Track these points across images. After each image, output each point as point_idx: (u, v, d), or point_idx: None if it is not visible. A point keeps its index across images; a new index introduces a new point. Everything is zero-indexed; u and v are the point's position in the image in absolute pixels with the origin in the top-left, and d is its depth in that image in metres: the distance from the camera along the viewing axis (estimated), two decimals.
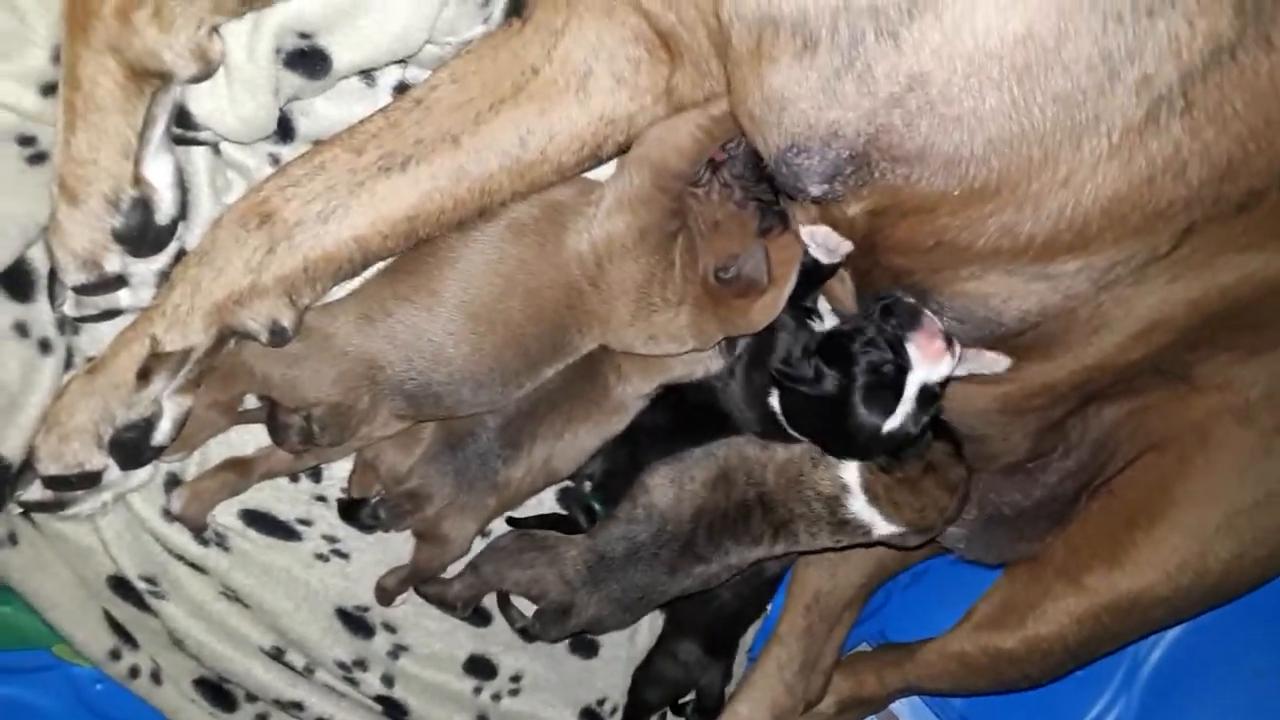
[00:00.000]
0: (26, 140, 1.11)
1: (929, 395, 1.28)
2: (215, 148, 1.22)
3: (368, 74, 1.25)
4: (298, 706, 1.51)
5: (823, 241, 1.26)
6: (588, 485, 1.50)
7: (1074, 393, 1.41)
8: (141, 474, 1.28)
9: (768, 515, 1.44)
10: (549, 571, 1.45)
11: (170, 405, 1.22)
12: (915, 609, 1.96)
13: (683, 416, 1.48)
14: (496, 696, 1.67)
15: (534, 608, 1.49)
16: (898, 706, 2.02)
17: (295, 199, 1.18)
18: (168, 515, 1.36)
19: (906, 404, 1.27)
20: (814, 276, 1.33)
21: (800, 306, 1.40)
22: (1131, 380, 1.42)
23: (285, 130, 1.25)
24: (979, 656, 1.63)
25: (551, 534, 1.47)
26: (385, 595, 1.51)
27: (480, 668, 1.63)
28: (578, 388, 1.37)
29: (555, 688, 1.71)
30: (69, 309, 1.16)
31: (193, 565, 1.41)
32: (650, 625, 1.73)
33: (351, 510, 1.40)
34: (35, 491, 1.21)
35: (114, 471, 1.23)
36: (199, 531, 1.37)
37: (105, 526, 1.34)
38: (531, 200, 1.26)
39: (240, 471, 1.34)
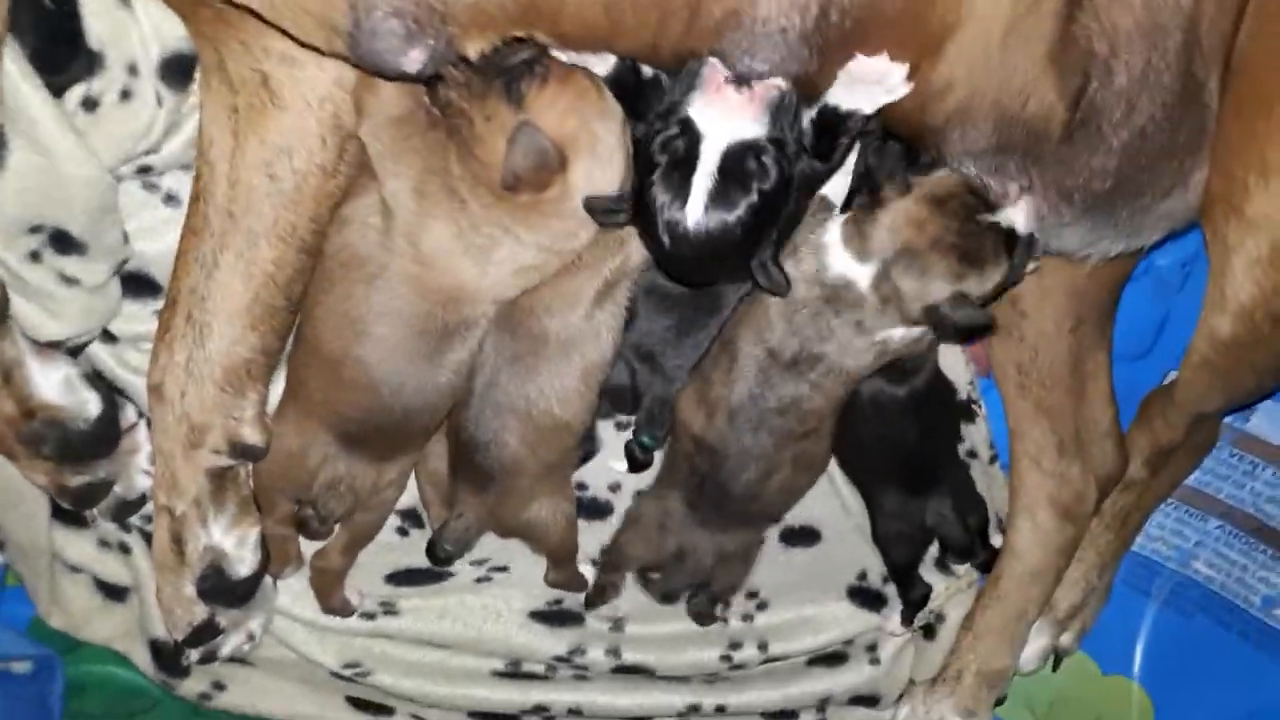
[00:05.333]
0: None
1: (744, 157, 0.99)
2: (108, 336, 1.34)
3: (169, 198, 1.29)
4: (543, 710, 1.57)
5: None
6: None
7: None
8: (267, 597, 1.45)
9: (775, 360, 1.23)
10: (652, 530, 1.41)
11: (232, 539, 1.34)
12: None
13: (680, 310, 1.31)
14: (746, 617, 1.60)
15: None
16: (1255, 424, 1.51)
17: (175, 340, 1.25)
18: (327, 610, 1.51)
19: (705, 179, 1.00)
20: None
21: None
22: None
23: (153, 287, 1.33)
24: (1215, 357, 1.20)
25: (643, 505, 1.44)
26: (598, 593, 1.52)
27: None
28: (509, 349, 1.26)
29: (803, 584, 1.59)
30: (101, 517, 1.37)
31: (379, 636, 1.54)
32: (853, 491, 1.52)
33: (431, 551, 1.43)
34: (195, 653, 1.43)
35: (231, 612, 1.41)
36: (350, 615, 1.50)
37: (291, 639, 1.51)
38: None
39: (336, 552, 1.44)
